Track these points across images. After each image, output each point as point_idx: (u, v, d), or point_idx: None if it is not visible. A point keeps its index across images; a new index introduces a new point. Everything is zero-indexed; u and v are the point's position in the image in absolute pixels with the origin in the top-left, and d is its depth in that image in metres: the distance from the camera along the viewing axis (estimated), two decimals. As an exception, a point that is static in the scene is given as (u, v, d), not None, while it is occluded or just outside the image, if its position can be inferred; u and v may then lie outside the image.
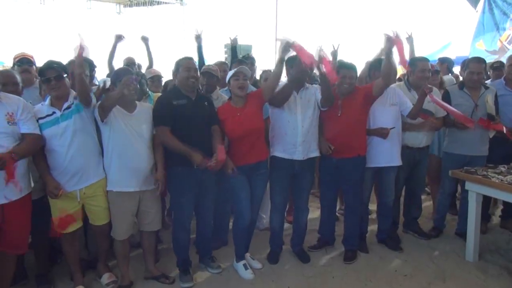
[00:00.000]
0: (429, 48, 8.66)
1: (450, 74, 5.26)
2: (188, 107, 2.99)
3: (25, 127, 2.59)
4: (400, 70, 4.55)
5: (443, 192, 4.01)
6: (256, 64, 4.80)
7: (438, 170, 4.15)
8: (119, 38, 4.62)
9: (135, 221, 3.12)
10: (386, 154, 3.49)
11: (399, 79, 4.41)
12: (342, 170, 3.43)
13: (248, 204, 3.21)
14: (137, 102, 3.02)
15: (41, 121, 2.72)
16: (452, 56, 6.88)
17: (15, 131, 2.55)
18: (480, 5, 7.43)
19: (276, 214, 3.48)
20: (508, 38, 6.98)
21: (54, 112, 2.75)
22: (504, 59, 5.13)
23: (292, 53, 2.98)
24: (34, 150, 2.67)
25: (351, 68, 3.33)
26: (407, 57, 3.67)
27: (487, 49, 7.18)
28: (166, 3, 15.94)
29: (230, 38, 5.10)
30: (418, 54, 4.45)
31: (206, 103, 3.15)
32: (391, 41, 3.05)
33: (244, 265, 3.31)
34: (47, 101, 2.79)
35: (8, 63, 7.25)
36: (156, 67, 4.85)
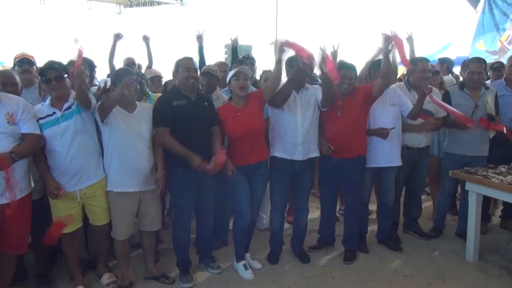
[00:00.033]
0: (429, 49, 8.67)
1: (450, 75, 5.27)
2: (188, 108, 2.99)
3: (25, 127, 2.59)
4: (402, 70, 4.55)
5: (443, 193, 4.01)
6: (256, 64, 4.81)
7: (438, 170, 4.15)
8: (117, 36, 4.63)
9: (135, 221, 3.12)
10: (386, 154, 3.49)
11: (399, 80, 4.41)
12: (342, 170, 3.43)
13: (248, 204, 3.21)
14: (137, 102, 3.02)
15: (41, 121, 2.72)
16: (452, 56, 6.89)
17: (15, 131, 2.55)
18: (480, 5, 7.43)
19: (276, 214, 3.48)
20: (508, 39, 6.98)
21: (54, 113, 2.75)
22: (504, 60, 5.14)
23: (289, 52, 2.99)
24: (34, 150, 2.67)
25: (350, 68, 3.33)
26: (408, 57, 3.67)
27: (487, 50, 7.18)
28: (166, 3, 15.95)
29: (230, 38, 5.10)
30: (418, 54, 4.45)
31: (206, 103, 3.15)
32: (389, 40, 3.06)
33: (244, 265, 3.31)
34: (47, 101, 2.79)
35: (8, 63, 7.25)
36: (156, 67, 4.86)
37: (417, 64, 3.59)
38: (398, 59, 3.26)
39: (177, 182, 3.03)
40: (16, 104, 2.58)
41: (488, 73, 4.77)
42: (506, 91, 3.91)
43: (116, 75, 2.95)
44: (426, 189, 5.08)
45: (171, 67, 3.18)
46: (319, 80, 3.69)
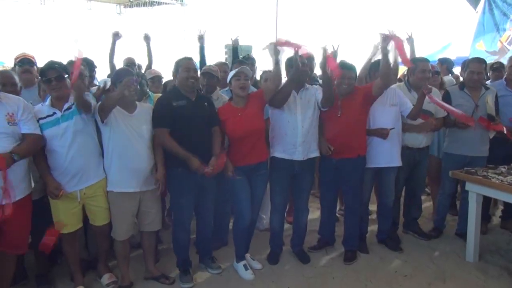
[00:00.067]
0: (429, 49, 8.68)
1: (450, 75, 5.27)
2: (188, 108, 2.99)
3: (25, 127, 2.59)
4: (402, 70, 4.55)
5: (443, 193, 4.01)
6: (257, 64, 4.81)
7: (438, 170, 4.15)
8: (116, 35, 4.62)
9: (135, 221, 3.12)
10: (386, 155, 3.49)
11: (399, 80, 4.41)
12: (342, 170, 3.43)
13: (248, 204, 3.21)
14: (137, 102, 3.02)
15: (41, 122, 2.72)
16: (452, 56, 6.89)
17: (16, 132, 2.55)
18: (480, 5, 7.43)
19: (276, 214, 3.48)
20: (508, 39, 6.99)
21: (54, 113, 2.75)
22: (504, 60, 5.14)
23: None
24: (35, 150, 2.67)
25: (350, 68, 3.33)
26: (408, 57, 3.67)
27: (487, 50, 7.19)
28: (166, 3, 15.95)
29: (231, 39, 5.10)
30: (418, 54, 4.45)
31: (206, 103, 3.14)
32: (388, 40, 3.06)
33: (244, 265, 3.31)
34: (48, 102, 2.79)
35: (8, 64, 7.25)
36: (156, 67, 4.86)
37: (417, 64, 3.59)
38: (398, 58, 3.26)
39: (177, 182, 3.03)
40: (16, 104, 2.58)
41: (488, 74, 4.77)
42: (507, 91, 3.91)
43: (116, 75, 2.95)
44: (426, 189, 5.08)
45: (171, 67, 3.18)
46: (319, 80, 3.70)
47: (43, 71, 2.77)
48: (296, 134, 3.22)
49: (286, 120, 3.23)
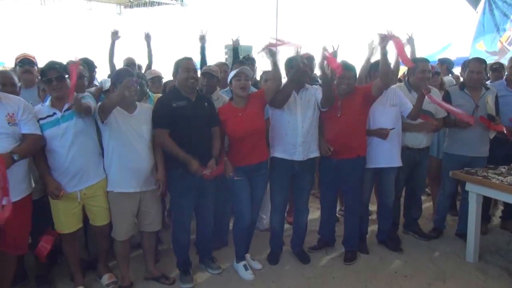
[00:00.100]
0: (429, 49, 8.68)
1: (450, 75, 5.27)
2: (188, 108, 2.98)
3: (26, 127, 2.59)
4: (402, 70, 4.55)
5: (443, 193, 4.01)
6: (257, 65, 4.81)
7: (438, 171, 4.16)
8: (115, 35, 4.62)
9: (135, 221, 3.12)
10: (386, 155, 3.49)
11: (400, 80, 4.41)
12: (342, 171, 3.43)
13: (248, 204, 3.21)
14: (137, 103, 3.02)
15: (41, 122, 2.72)
16: (453, 57, 6.90)
17: (16, 132, 2.55)
18: (480, 6, 7.43)
19: (276, 214, 3.48)
20: (508, 39, 6.98)
21: (54, 113, 2.75)
22: (504, 60, 5.14)
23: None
24: (35, 150, 2.67)
25: (349, 68, 3.33)
26: (408, 57, 3.67)
27: (487, 50, 7.19)
28: (166, 4, 15.98)
29: (232, 39, 5.10)
30: (418, 55, 4.45)
31: (206, 104, 3.14)
32: (386, 40, 3.06)
33: (244, 265, 3.31)
34: (48, 102, 2.79)
35: (8, 64, 7.26)
36: (156, 67, 4.86)
37: (417, 65, 3.59)
38: (398, 59, 3.26)
39: (177, 182, 3.03)
40: (16, 104, 2.58)
41: (488, 74, 4.78)
42: (507, 92, 3.91)
43: (116, 76, 2.95)
44: (426, 189, 5.08)
45: (171, 67, 3.18)
46: (319, 81, 3.70)
47: (43, 71, 2.77)
48: (296, 134, 3.22)
49: (286, 120, 3.23)
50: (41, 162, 2.77)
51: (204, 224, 3.33)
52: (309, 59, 3.65)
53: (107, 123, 2.82)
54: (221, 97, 3.65)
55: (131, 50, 5.35)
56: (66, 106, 2.76)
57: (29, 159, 2.69)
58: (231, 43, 5.22)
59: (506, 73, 4.25)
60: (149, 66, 5.03)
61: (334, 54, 4.12)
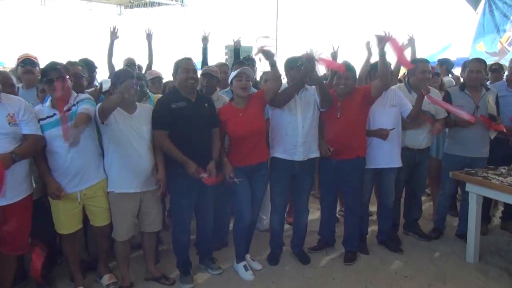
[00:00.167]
0: (429, 50, 8.68)
1: (450, 76, 5.27)
2: (188, 109, 2.98)
3: (27, 128, 2.59)
4: (402, 71, 4.55)
5: (443, 194, 4.01)
6: (257, 65, 4.81)
7: (438, 171, 4.16)
8: (114, 34, 4.61)
9: (135, 222, 3.12)
10: (386, 156, 3.49)
11: (400, 81, 4.42)
12: (341, 171, 3.43)
13: (248, 205, 3.21)
14: (137, 103, 3.02)
15: (41, 123, 2.71)
16: (453, 57, 6.89)
17: (16, 132, 2.55)
18: (481, 7, 7.45)
19: (276, 215, 3.48)
20: (508, 40, 7.00)
21: (54, 114, 2.74)
22: (504, 61, 5.16)
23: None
24: (35, 150, 2.67)
25: (348, 69, 3.32)
26: (408, 57, 3.67)
27: (487, 51, 7.20)
28: (166, 4, 15.98)
29: (233, 40, 5.10)
30: (418, 55, 4.45)
31: (206, 104, 3.14)
32: (384, 41, 3.06)
33: (245, 266, 3.31)
34: (48, 103, 2.79)
35: (8, 64, 7.26)
36: (156, 68, 4.85)
37: (417, 65, 3.59)
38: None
39: (177, 183, 3.03)
40: (17, 105, 2.58)
41: (488, 75, 4.78)
42: (508, 92, 3.92)
43: (116, 76, 2.94)
44: (427, 190, 5.08)
45: (171, 68, 3.18)
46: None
47: (44, 72, 2.77)
48: (296, 135, 3.22)
49: (287, 120, 3.23)
50: (41, 162, 2.76)
51: (204, 224, 3.33)
52: (310, 59, 3.64)
53: (107, 124, 2.82)
54: (221, 97, 3.65)
55: (131, 50, 5.35)
56: (66, 107, 2.76)
57: (29, 159, 2.69)
58: (231, 43, 5.22)
59: (506, 73, 4.26)
60: (149, 66, 5.02)
61: (334, 55, 4.14)
